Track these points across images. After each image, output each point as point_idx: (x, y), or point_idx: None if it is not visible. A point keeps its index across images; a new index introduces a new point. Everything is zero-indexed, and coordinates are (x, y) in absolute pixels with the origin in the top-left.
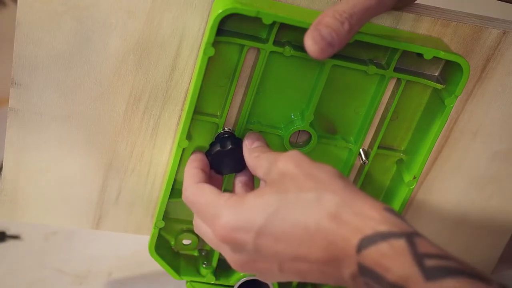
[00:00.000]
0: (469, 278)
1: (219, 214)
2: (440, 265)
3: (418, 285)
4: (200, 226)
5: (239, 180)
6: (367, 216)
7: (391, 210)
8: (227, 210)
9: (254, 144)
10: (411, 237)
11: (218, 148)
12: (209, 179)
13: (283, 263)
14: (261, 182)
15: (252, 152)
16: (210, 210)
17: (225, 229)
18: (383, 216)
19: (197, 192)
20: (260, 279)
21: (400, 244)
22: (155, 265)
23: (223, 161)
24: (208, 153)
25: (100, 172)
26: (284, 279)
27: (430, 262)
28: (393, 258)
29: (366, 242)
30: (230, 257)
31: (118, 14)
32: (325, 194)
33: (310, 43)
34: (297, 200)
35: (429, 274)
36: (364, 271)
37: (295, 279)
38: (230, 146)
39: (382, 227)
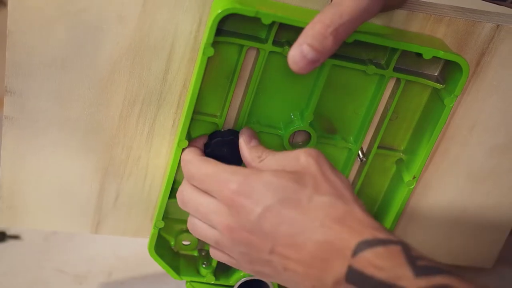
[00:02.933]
0: (457, 277)
1: (230, 179)
2: (431, 265)
3: (408, 281)
4: (197, 197)
5: None
6: (368, 225)
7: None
8: (241, 177)
9: (252, 142)
10: (406, 245)
11: (218, 138)
12: None
13: (276, 245)
14: None
15: (254, 151)
16: (220, 175)
17: (234, 193)
18: (382, 228)
19: (205, 162)
20: (240, 260)
21: (396, 248)
22: (155, 265)
23: (222, 153)
24: (207, 145)
25: (97, 176)
26: (263, 267)
27: (421, 262)
28: (387, 258)
29: (364, 245)
30: (225, 220)
31: (109, 19)
32: (337, 201)
33: (291, 62)
34: (311, 197)
35: (419, 271)
36: (351, 275)
37: (269, 274)
38: (231, 137)
39: (381, 235)
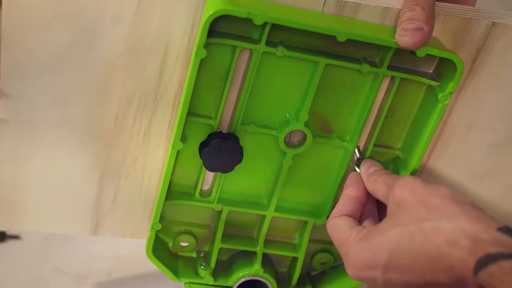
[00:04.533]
0: None
1: (347, 253)
2: None
3: None
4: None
5: (366, 213)
6: (479, 239)
7: (505, 229)
8: (353, 248)
9: (371, 169)
10: None
11: (218, 139)
12: (361, 204)
13: None
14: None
15: (370, 177)
16: (341, 247)
17: (354, 268)
18: (495, 237)
19: (333, 226)
20: None
21: (508, 265)
22: (154, 265)
23: (218, 155)
24: (205, 144)
25: (95, 178)
26: None
27: None
28: (500, 279)
29: (480, 264)
30: None
31: (104, 20)
32: (439, 222)
33: (406, 39)
34: (415, 231)
35: None
36: None
37: None
38: (230, 140)
39: (492, 249)
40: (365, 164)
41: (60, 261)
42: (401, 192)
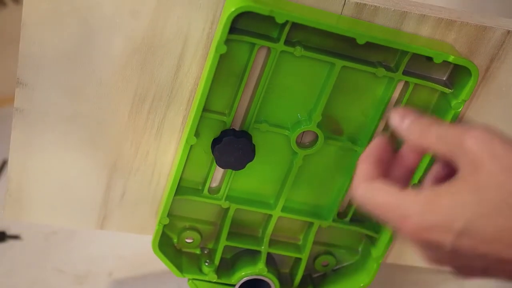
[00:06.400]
0: None
1: (408, 214)
2: None
3: None
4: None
5: (432, 173)
6: None
7: None
8: (418, 208)
9: (406, 120)
10: None
11: (231, 136)
12: (385, 169)
13: (487, 265)
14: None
15: (414, 130)
16: (392, 211)
17: (417, 229)
18: None
19: (372, 190)
20: (456, 274)
21: None
22: (155, 265)
23: (231, 152)
24: (217, 140)
25: (104, 172)
26: (486, 277)
27: None
28: None
29: None
30: (422, 254)
31: (123, 14)
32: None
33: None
34: (501, 204)
35: None
36: None
37: (500, 279)
38: (243, 137)
39: None
40: (397, 113)
41: (60, 261)
42: (477, 151)
